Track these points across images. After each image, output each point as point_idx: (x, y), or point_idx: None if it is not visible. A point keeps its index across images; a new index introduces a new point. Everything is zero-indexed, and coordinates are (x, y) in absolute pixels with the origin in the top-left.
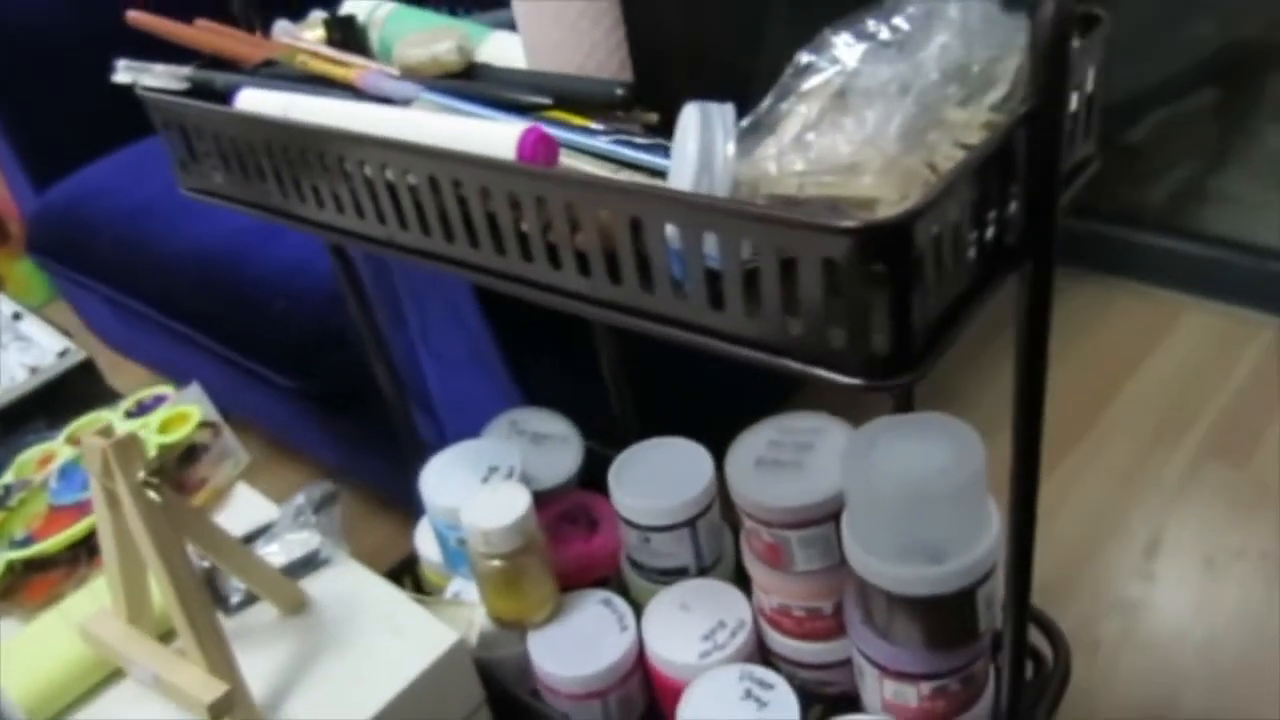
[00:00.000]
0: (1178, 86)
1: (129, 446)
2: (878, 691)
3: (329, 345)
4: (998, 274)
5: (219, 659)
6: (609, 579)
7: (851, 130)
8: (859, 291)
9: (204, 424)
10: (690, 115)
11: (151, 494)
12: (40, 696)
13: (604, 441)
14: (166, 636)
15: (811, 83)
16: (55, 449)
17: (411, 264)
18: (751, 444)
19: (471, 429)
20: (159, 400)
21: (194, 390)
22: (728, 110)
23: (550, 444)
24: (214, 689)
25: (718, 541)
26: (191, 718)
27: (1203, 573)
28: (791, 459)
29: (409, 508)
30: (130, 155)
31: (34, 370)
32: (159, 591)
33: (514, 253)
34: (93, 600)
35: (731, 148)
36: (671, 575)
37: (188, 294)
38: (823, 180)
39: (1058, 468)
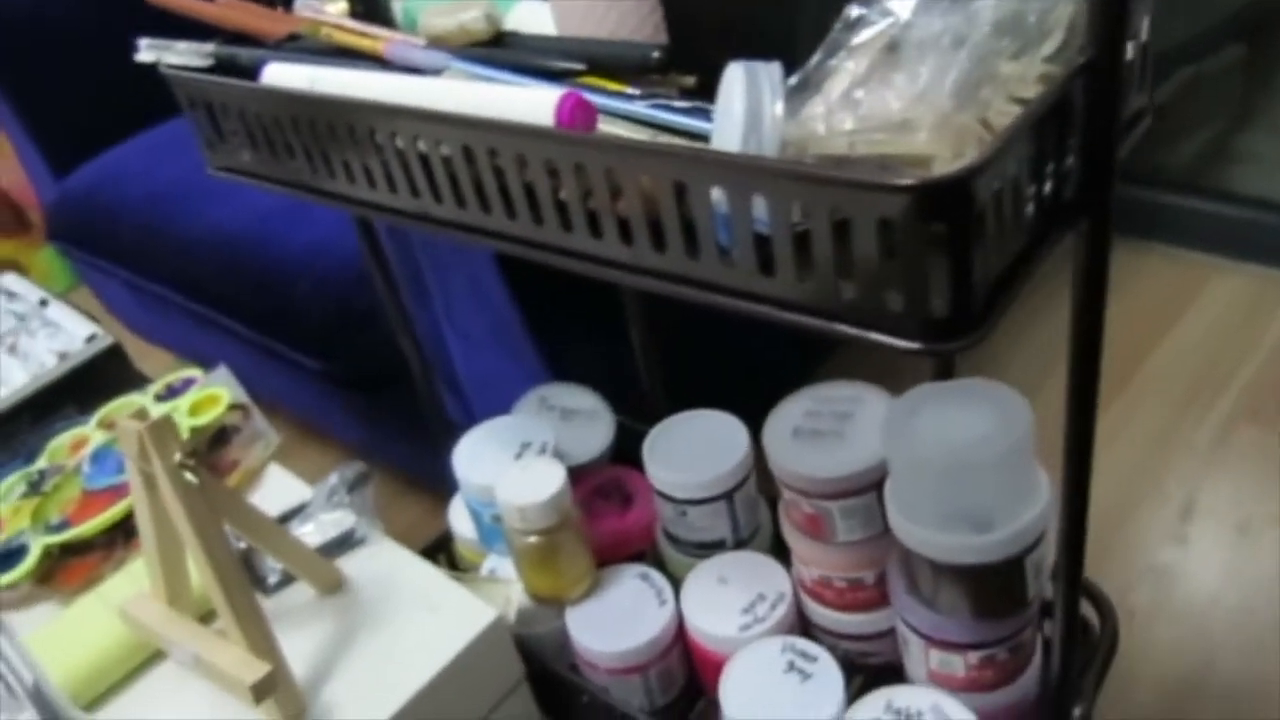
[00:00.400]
0: (1204, 45)
1: (165, 429)
2: (923, 662)
3: (354, 327)
4: (1054, 231)
5: (260, 639)
6: (644, 553)
7: (903, 86)
8: (917, 252)
9: (234, 406)
10: (735, 75)
11: (188, 475)
12: (82, 679)
13: (633, 416)
14: (206, 618)
15: (863, 36)
16: (87, 434)
17: (446, 237)
18: (789, 414)
19: (498, 407)
20: (188, 383)
21: (222, 372)
22: (774, 69)
23: (581, 419)
24: (256, 669)
25: (754, 514)
26: (233, 698)
27: (1236, 538)
28: (831, 428)
29: (436, 488)
30: (148, 140)
31: (63, 356)
32: (198, 573)
33: (552, 222)
34: (131, 583)
35: (780, 107)
36: (709, 548)
37: (211, 277)
38: (874, 138)
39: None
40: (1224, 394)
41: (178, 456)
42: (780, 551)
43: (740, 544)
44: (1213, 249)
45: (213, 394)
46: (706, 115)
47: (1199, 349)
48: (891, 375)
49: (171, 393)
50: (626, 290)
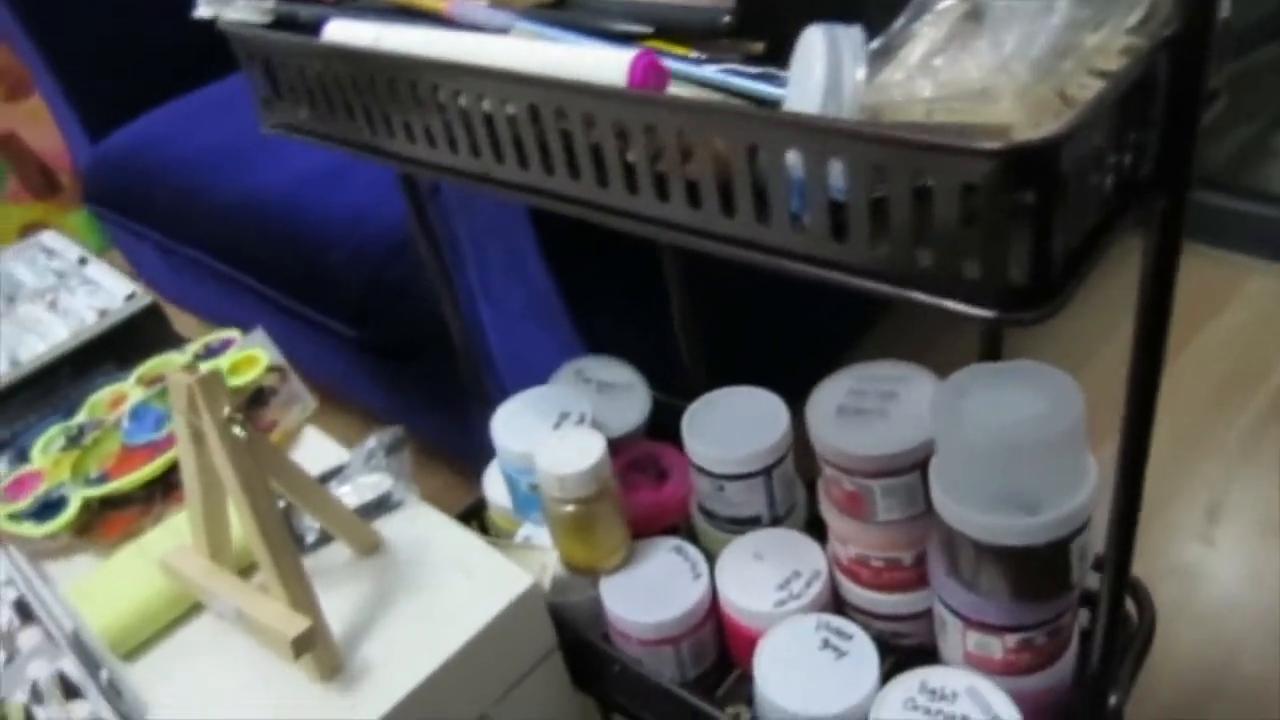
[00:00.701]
0: (1244, 41)
1: (215, 383)
2: (960, 643)
3: (389, 295)
4: (1129, 207)
5: (300, 595)
6: (678, 528)
7: (984, 54)
8: (998, 219)
9: (271, 368)
10: (815, 38)
11: (236, 430)
12: (121, 629)
13: (668, 391)
14: (244, 573)
15: (945, 2)
16: (126, 390)
17: (507, 198)
18: (833, 392)
19: (529, 380)
20: (227, 344)
21: (259, 334)
22: (855, 33)
23: (617, 393)
24: (297, 624)
25: (791, 492)
26: (270, 652)
27: (1263, 540)
28: (875, 407)
29: (460, 458)
30: (186, 105)
31: (103, 313)
32: (241, 527)
33: (618, 185)
34: (169, 537)
35: (862, 72)
36: (744, 524)
37: (246, 242)
38: (952, 106)
39: (1112, 436)
40: (1255, 396)
41: (227, 410)
42: (814, 531)
43: (776, 521)
44: (1249, 250)
45: (251, 355)
46: (776, 81)
47: (1231, 350)
48: (930, 354)
49: (210, 353)
50: (669, 263)
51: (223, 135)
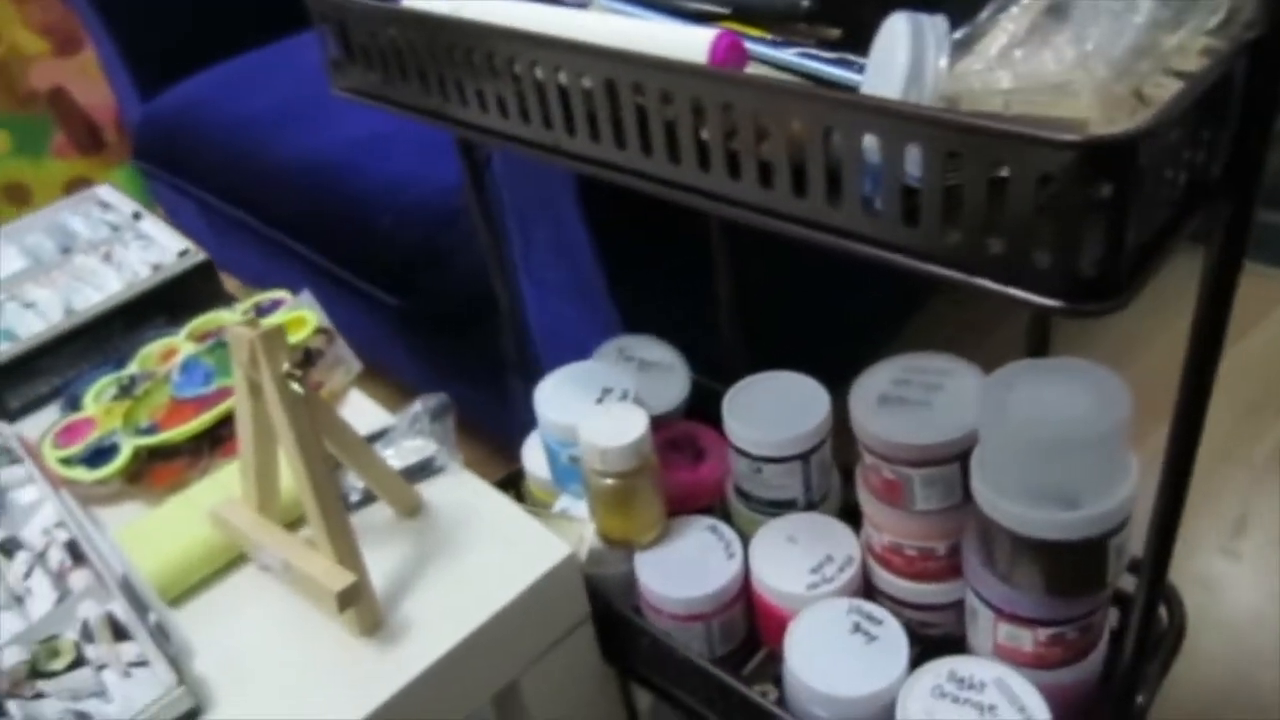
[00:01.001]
0: None
1: (276, 338)
2: (990, 635)
3: (433, 264)
4: (1198, 208)
5: (346, 551)
6: (713, 508)
7: (1062, 49)
8: (1074, 210)
9: (319, 330)
10: (899, 25)
11: (295, 386)
12: (169, 574)
13: (706, 373)
14: (289, 528)
15: None
16: (177, 344)
17: (576, 170)
18: (877, 380)
19: (567, 356)
20: (276, 304)
21: (306, 296)
22: (940, 22)
23: (657, 371)
24: (342, 578)
25: (827, 477)
26: (312, 605)
27: None
28: (919, 397)
29: (493, 431)
30: (239, 66)
31: (156, 268)
32: (294, 482)
33: (690, 162)
34: (217, 489)
35: (944, 61)
36: (779, 507)
37: (292, 205)
38: (1030, 99)
39: (1150, 437)
40: None
41: (286, 366)
42: (848, 517)
43: (810, 505)
44: None
45: (301, 316)
46: (853, 67)
47: (1263, 366)
48: (967, 348)
49: (260, 312)
50: (717, 246)
51: (274, 98)
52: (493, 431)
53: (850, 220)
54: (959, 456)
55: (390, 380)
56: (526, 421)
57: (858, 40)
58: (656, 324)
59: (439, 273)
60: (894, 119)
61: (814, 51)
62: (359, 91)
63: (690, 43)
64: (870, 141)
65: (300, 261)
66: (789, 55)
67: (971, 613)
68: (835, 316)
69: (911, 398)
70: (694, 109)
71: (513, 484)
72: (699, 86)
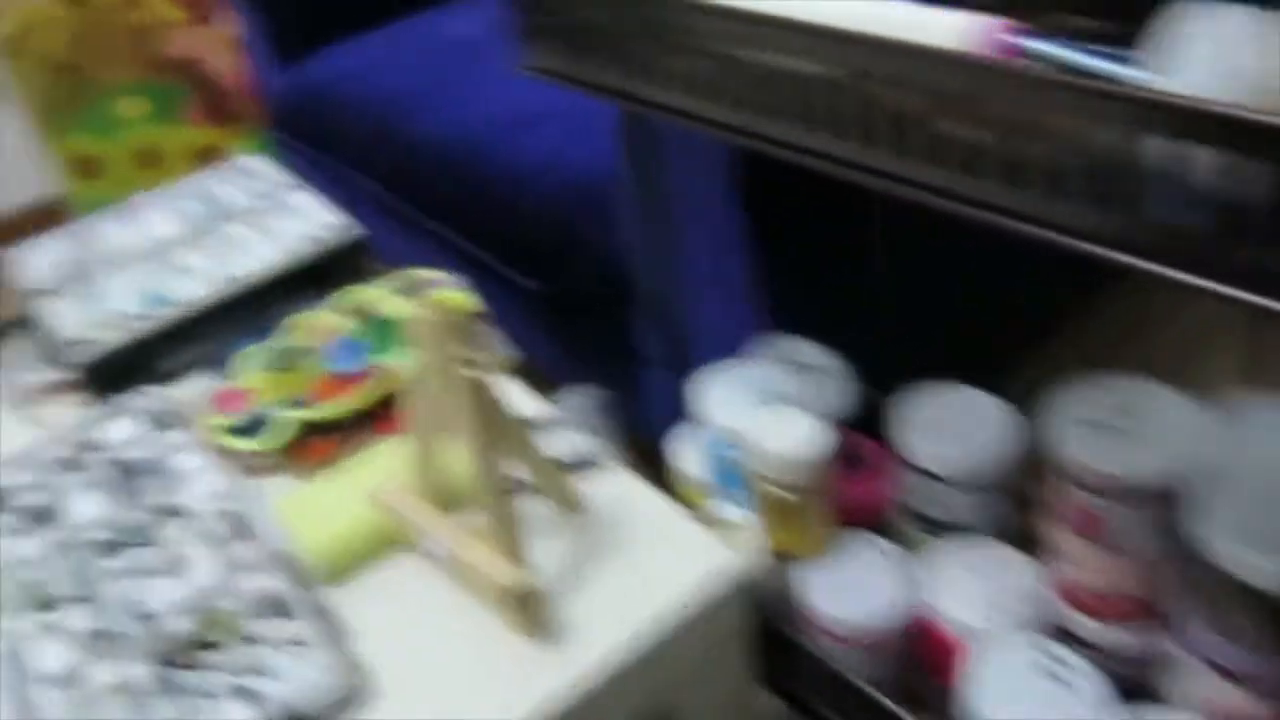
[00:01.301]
0: None
1: (458, 323)
2: (1194, 686)
3: (575, 248)
4: None
5: (515, 546)
6: (874, 525)
7: None
8: None
9: (475, 314)
10: (1202, 20)
11: (472, 372)
12: (331, 553)
13: (865, 382)
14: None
15: None
16: (326, 317)
17: (802, 164)
18: (1074, 402)
19: (714, 352)
20: (428, 284)
21: (456, 279)
22: (1246, 15)
23: (815, 376)
24: (515, 574)
25: (1005, 502)
26: (474, 597)
27: None
28: (1122, 425)
29: (620, 421)
30: (380, 39)
31: (311, 239)
32: (468, 470)
33: (954, 167)
34: (373, 469)
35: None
36: (954, 530)
37: (432, 182)
38: None
39: None
40: None
41: (466, 352)
42: (1024, 545)
43: (986, 531)
44: None
45: (455, 297)
46: (1129, 62)
47: None
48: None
49: (412, 291)
50: (881, 250)
51: (417, 73)
52: (620, 422)
53: (1117, 228)
54: (1171, 491)
55: (521, 368)
56: (665, 415)
57: (1124, 33)
58: (807, 325)
59: (579, 258)
60: (1208, 121)
61: (1086, 45)
62: (549, 71)
63: (944, 29)
64: (1199, 153)
65: (435, 240)
66: (1066, 51)
67: (1176, 662)
68: (996, 325)
69: (1114, 424)
70: (943, 102)
71: (656, 480)
72: (978, 83)
